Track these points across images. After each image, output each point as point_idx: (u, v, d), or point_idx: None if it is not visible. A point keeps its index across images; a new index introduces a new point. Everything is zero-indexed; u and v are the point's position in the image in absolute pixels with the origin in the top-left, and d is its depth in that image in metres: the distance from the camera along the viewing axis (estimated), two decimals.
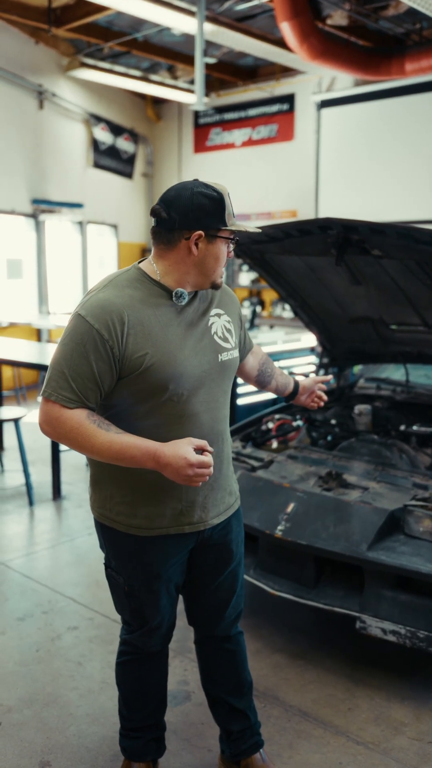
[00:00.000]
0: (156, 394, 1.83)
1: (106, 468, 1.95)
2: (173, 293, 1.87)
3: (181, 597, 2.21)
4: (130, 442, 1.77)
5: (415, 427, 3.79)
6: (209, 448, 1.79)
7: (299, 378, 2.47)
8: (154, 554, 1.98)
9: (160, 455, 1.75)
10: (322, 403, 2.45)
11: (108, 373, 1.79)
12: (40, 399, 1.89)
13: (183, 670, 2.95)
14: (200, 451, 1.78)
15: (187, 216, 1.80)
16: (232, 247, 1.91)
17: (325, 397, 2.45)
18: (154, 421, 1.86)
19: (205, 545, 2.06)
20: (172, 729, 2.57)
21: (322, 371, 4.46)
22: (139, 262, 1.94)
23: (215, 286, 1.93)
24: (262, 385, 2.38)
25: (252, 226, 1.97)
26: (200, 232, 1.81)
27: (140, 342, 1.79)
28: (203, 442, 1.79)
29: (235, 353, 2.03)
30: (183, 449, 1.74)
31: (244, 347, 2.23)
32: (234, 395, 5.41)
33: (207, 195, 1.81)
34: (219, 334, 1.97)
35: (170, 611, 2.11)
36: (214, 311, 1.99)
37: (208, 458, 1.76)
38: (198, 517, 1.98)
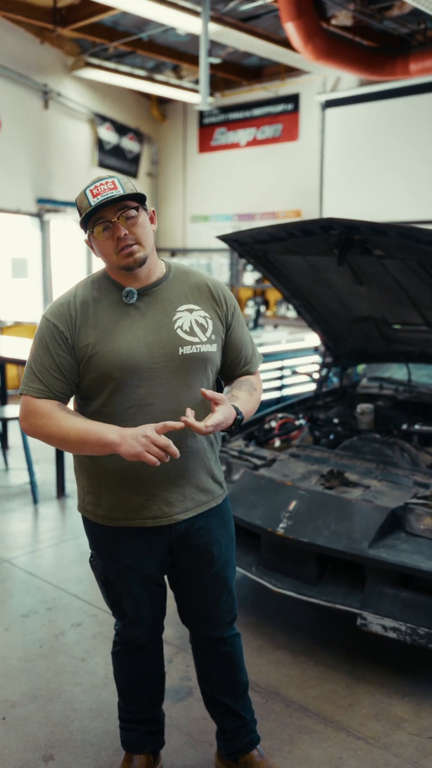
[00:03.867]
0: (105, 383, 1.91)
1: (78, 459, 2.04)
2: (122, 292, 1.96)
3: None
4: (94, 424, 1.86)
5: (416, 426, 3.81)
6: (173, 424, 1.80)
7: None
8: (123, 546, 2.03)
9: (121, 429, 1.82)
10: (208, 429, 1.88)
11: (68, 362, 1.91)
12: None
13: (185, 666, 2.97)
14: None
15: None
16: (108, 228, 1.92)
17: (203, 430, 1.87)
18: (108, 411, 1.93)
19: (183, 544, 2.07)
20: (174, 724, 2.59)
21: (325, 370, 4.48)
22: None
23: (126, 268, 1.92)
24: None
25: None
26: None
27: (88, 332, 1.91)
28: (168, 423, 1.81)
29: (204, 348, 1.98)
30: (145, 425, 1.82)
31: (238, 358, 2.13)
32: None
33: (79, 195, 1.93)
34: (184, 328, 1.97)
35: (150, 605, 2.14)
36: (185, 306, 2.00)
37: (168, 441, 1.79)
38: (160, 512, 1.98)
